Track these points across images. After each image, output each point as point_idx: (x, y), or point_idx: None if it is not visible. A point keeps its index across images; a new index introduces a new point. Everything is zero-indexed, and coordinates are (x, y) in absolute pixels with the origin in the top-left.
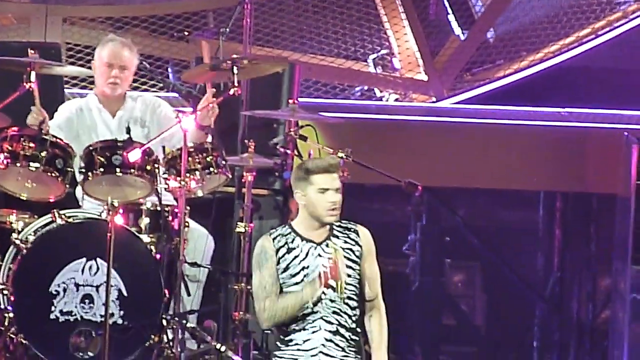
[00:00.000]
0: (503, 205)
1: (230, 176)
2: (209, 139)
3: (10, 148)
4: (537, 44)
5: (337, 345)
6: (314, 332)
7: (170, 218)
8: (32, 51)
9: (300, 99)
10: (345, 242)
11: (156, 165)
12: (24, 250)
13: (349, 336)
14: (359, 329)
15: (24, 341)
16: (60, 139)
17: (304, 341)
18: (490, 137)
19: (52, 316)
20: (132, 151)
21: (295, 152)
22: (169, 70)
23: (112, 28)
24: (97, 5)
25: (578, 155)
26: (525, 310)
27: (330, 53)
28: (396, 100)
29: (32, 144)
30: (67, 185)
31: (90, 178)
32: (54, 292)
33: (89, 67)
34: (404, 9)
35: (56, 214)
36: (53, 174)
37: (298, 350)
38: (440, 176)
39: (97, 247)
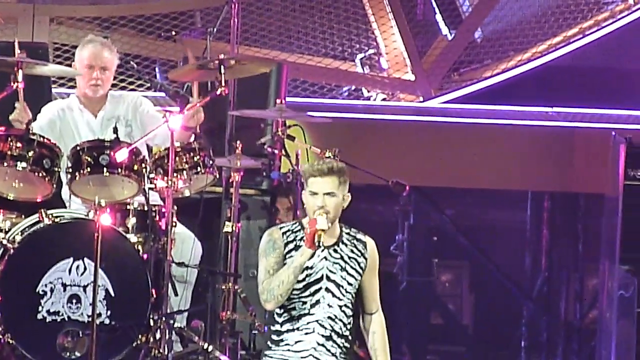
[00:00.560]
0: (491, 204)
1: (218, 176)
2: (192, 138)
3: None
4: (525, 43)
5: (328, 350)
6: (306, 333)
7: (157, 218)
8: (20, 51)
9: (287, 99)
10: (352, 251)
11: (143, 165)
12: (11, 250)
13: (342, 343)
14: (351, 337)
15: (11, 341)
16: (48, 139)
17: (296, 342)
18: (478, 136)
19: (39, 316)
20: (119, 151)
21: (283, 152)
22: (157, 69)
23: (100, 28)
24: (85, 5)
25: (566, 155)
26: (513, 310)
27: (318, 53)
28: (384, 100)
29: (19, 144)
30: (54, 185)
31: (77, 178)
32: (41, 292)
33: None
34: (392, 8)
35: (43, 214)
36: (40, 174)
37: (288, 350)
38: (428, 176)
39: (84, 247)
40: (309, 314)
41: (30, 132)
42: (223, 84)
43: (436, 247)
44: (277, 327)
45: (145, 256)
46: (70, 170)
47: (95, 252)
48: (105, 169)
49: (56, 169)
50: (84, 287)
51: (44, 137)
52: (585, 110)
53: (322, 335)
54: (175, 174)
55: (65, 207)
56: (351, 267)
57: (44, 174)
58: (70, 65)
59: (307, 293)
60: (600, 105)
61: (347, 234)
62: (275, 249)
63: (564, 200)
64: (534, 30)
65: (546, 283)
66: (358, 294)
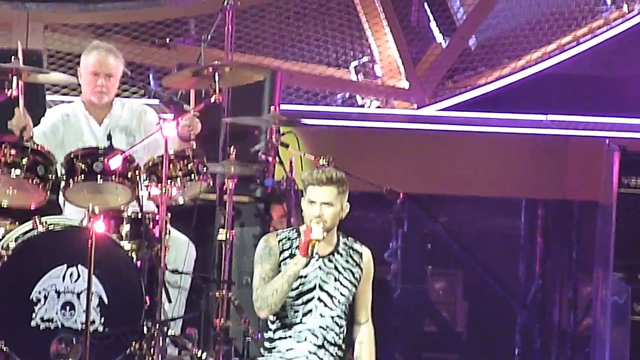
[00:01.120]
0: (485, 212)
1: (212, 183)
2: (194, 145)
3: None
4: (519, 51)
5: (320, 358)
6: (298, 342)
7: (151, 225)
8: (16, 57)
9: (281, 106)
10: (347, 261)
11: (137, 172)
12: (5, 257)
13: (335, 351)
14: (344, 346)
15: (4, 348)
16: (42, 146)
17: (287, 350)
18: (472, 144)
19: (32, 323)
20: (113, 158)
21: (277, 159)
22: (150, 76)
23: (94, 35)
24: (79, 12)
25: (559, 163)
26: (506, 318)
27: (312, 60)
28: (378, 107)
29: (13, 151)
30: (48, 192)
31: (71, 185)
32: (35, 300)
33: (71, 74)
34: (386, 15)
35: (37, 221)
36: (34, 181)
37: (281, 358)
38: (422, 183)
39: (78, 254)
40: (301, 322)
41: (25, 138)
42: (217, 91)
43: (430, 255)
44: (270, 334)
45: (139, 263)
46: (64, 177)
47: (89, 259)
48: (99, 176)
49: (50, 176)
50: (78, 294)
51: (37, 145)
52: (579, 118)
53: (314, 344)
54: (169, 181)
55: (61, 213)
56: (345, 277)
57: (38, 181)
58: (64, 72)
59: (299, 302)
60: (594, 113)
61: (344, 243)
62: (270, 256)
63: (557, 208)
64: (528, 37)
65: (540, 290)
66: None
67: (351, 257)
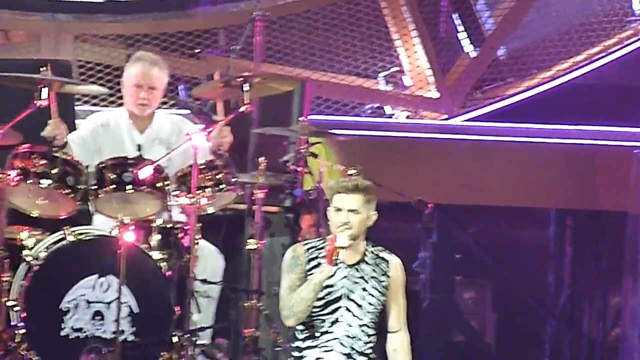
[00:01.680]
0: (514, 222)
1: (241, 193)
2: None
3: (21, 165)
4: (548, 61)
5: None
6: (326, 351)
7: (180, 235)
8: (44, 68)
9: (310, 117)
10: (374, 270)
11: (167, 183)
12: (36, 267)
13: None
14: (373, 355)
15: (34, 358)
16: (72, 156)
17: (316, 359)
18: (501, 154)
19: (63, 333)
20: (143, 168)
21: (306, 170)
22: (180, 87)
23: (124, 46)
24: (109, 23)
25: (588, 173)
26: (536, 328)
27: (341, 70)
28: (407, 117)
29: (43, 161)
30: (78, 202)
31: (100, 195)
32: (65, 309)
33: (101, 85)
34: (415, 26)
35: (67, 231)
36: (64, 191)
37: None
38: (451, 194)
39: (108, 264)
40: (328, 332)
41: (55, 147)
42: (247, 101)
43: (459, 265)
44: (299, 343)
45: (168, 273)
46: (94, 187)
47: (119, 269)
48: (128, 187)
49: (80, 186)
50: (108, 304)
51: (67, 155)
52: (608, 129)
53: (342, 354)
54: (198, 191)
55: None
56: (372, 286)
57: (68, 191)
58: (94, 83)
59: (326, 311)
60: (623, 123)
61: (372, 252)
62: (297, 265)
63: (586, 218)
64: (557, 48)
65: (569, 301)
66: (382, 312)
67: (378, 265)
